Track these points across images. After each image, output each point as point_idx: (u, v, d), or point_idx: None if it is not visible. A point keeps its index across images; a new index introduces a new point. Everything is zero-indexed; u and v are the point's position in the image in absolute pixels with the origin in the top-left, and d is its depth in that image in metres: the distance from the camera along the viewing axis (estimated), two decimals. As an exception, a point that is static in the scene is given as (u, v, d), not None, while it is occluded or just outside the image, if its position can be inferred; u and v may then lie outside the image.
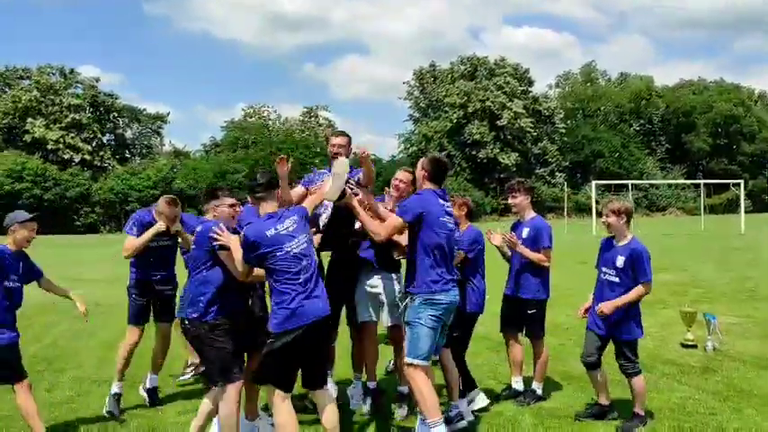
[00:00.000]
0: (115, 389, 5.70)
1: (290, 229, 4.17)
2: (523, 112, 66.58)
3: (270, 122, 74.48)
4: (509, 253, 5.78)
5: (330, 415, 4.11)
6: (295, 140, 64.27)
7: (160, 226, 5.59)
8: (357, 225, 5.21)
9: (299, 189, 5.55)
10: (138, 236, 5.65)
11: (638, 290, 4.88)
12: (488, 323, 6.56)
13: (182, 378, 6.62)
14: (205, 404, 4.37)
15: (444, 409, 4.75)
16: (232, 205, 4.64)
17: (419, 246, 4.40)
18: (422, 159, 4.69)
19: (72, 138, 61.98)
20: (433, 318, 4.30)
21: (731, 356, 7.15)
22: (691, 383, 6.16)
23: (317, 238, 5.09)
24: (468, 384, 5.40)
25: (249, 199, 5.06)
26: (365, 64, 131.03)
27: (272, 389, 4.02)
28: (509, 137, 67.53)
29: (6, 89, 64.32)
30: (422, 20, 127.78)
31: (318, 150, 61.59)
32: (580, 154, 69.80)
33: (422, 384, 4.24)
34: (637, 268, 4.88)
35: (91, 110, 65.41)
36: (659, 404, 5.50)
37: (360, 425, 5.22)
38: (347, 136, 5.64)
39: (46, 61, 67.43)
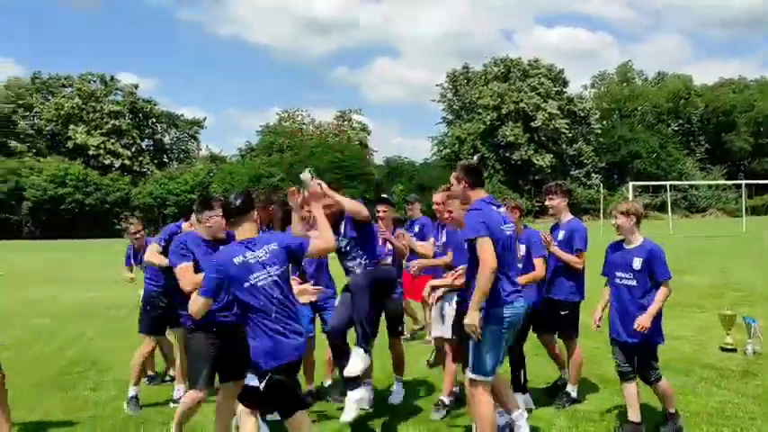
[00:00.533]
0: (132, 392, 5.95)
1: (262, 258, 3.80)
2: (558, 113, 65.91)
3: (303, 126, 75.13)
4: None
5: None
6: (328, 144, 64.65)
7: None
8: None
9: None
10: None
11: (663, 291, 4.78)
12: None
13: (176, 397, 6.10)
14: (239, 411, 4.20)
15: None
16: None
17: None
18: (453, 175, 4.48)
19: (112, 143, 63.48)
20: (496, 332, 4.12)
21: (772, 360, 7.01)
22: (730, 387, 6.06)
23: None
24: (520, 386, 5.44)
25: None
26: (396, 66, 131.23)
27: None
28: (543, 138, 66.93)
29: (50, 97, 66.16)
30: (452, 21, 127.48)
31: (352, 154, 61.92)
32: (617, 155, 68.80)
33: (483, 405, 4.08)
34: (656, 268, 4.77)
35: (130, 116, 66.91)
36: (697, 408, 5.43)
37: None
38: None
39: (85, 69, 69.14)
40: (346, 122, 75.43)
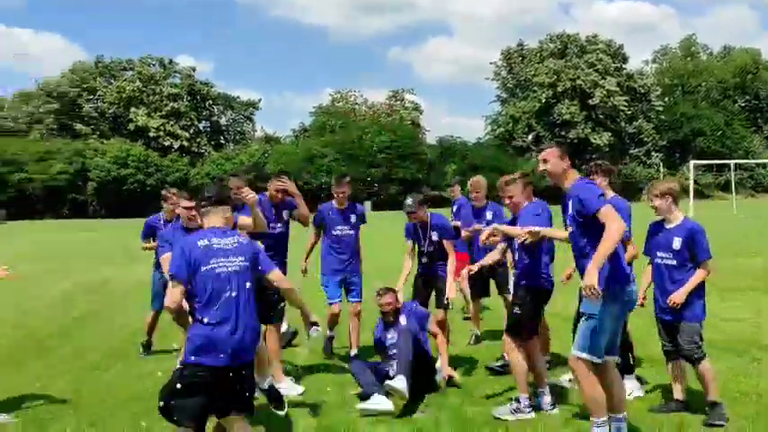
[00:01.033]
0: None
1: (228, 245, 3.65)
2: (617, 89, 64.11)
3: (356, 107, 75.37)
4: None
5: None
6: (381, 124, 64.71)
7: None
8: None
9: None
10: None
11: (700, 271, 4.68)
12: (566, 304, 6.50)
13: None
14: None
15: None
16: (187, 208, 4.86)
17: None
18: (552, 152, 4.30)
19: (171, 125, 65.23)
20: (614, 312, 4.00)
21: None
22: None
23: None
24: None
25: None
26: (450, 45, 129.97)
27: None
28: (601, 116, 65.25)
29: (112, 80, 68.33)
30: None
31: (404, 134, 61.81)
32: (678, 133, 66.53)
33: (593, 385, 3.99)
34: (695, 247, 4.67)
35: (188, 98, 68.51)
36: (747, 388, 5.30)
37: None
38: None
39: (145, 53, 71.08)
40: (399, 102, 75.30)
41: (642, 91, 67.20)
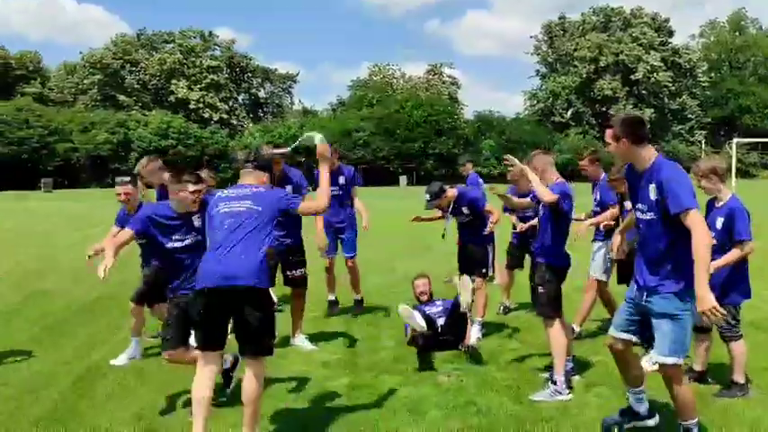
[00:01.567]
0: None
1: (238, 194, 3.94)
2: (661, 65, 62.58)
3: (394, 81, 75.09)
4: None
5: (247, 387, 3.76)
6: (419, 98, 64.41)
7: None
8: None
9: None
10: None
11: (735, 250, 4.59)
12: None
13: None
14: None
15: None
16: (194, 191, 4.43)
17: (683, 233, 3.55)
18: (609, 133, 3.76)
19: (211, 98, 66.10)
20: (690, 309, 3.65)
21: None
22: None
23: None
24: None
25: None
26: (489, 19, 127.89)
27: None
28: (644, 92, 63.88)
29: (153, 53, 69.34)
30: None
31: (442, 109, 61.45)
32: (724, 109, 64.77)
33: (687, 390, 3.78)
34: (733, 228, 4.61)
35: (227, 71, 69.17)
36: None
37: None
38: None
39: (186, 25, 71.96)
40: (436, 77, 74.75)
41: (687, 66, 65.45)
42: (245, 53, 72.45)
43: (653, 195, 3.57)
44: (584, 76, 64.18)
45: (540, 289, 4.88)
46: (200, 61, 67.33)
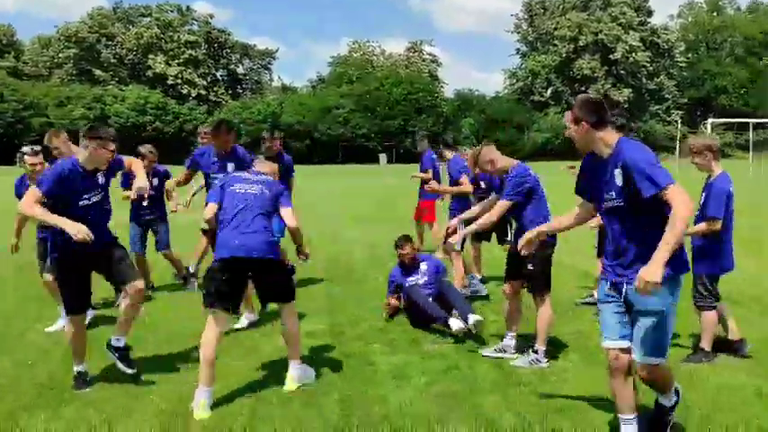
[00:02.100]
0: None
1: (252, 178, 4.57)
2: (640, 45, 63.03)
3: (374, 58, 74.72)
4: None
5: (287, 324, 4.48)
6: (399, 76, 64.23)
7: None
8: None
9: None
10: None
11: (702, 224, 4.81)
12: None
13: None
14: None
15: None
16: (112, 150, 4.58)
17: (657, 216, 3.25)
18: (568, 115, 3.49)
19: (189, 73, 65.33)
20: (675, 302, 3.35)
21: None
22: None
23: None
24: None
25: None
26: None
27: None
28: (622, 72, 64.34)
29: (130, 26, 68.17)
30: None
31: (422, 87, 61.40)
32: (701, 90, 65.58)
33: (671, 380, 3.56)
34: (708, 202, 4.81)
35: (206, 46, 68.31)
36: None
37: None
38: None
39: (163, -1, 70.67)
40: (417, 54, 74.53)
41: (666, 47, 66.00)
42: (224, 28, 71.64)
43: (619, 180, 3.26)
44: (564, 55, 64.47)
45: (529, 266, 4.87)
46: (178, 36, 66.39)
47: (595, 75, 63.11)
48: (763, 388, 4.28)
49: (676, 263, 3.21)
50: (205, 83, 66.75)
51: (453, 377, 4.63)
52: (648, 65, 63.91)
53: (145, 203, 6.34)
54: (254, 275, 4.37)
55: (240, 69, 74.88)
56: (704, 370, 4.71)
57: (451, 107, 63.73)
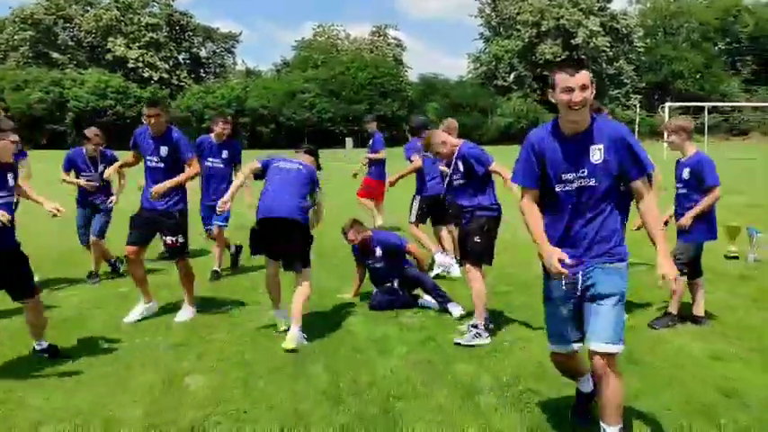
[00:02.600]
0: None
1: (296, 160, 5.48)
2: (600, 30, 64.02)
3: (339, 42, 74.40)
4: None
5: (300, 288, 5.23)
6: (364, 60, 64.14)
7: None
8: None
9: None
10: None
11: (706, 198, 5.17)
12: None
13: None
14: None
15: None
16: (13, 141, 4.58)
17: (619, 197, 3.22)
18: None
19: (150, 56, 64.14)
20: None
21: (771, 267, 7.51)
22: (725, 288, 6.64)
23: None
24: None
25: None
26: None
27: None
28: (583, 56, 65.22)
29: (88, 8, 66.50)
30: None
31: (386, 71, 61.43)
32: (658, 74, 66.95)
33: (621, 383, 3.14)
34: (702, 176, 5.18)
35: (167, 29, 67.07)
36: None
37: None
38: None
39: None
40: (381, 38, 74.46)
41: (625, 32, 67.15)
42: (185, 11, 70.35)
43: (597, 157, 3.09)
44: (527, 40, 65.11)
45: (476, 239, 5.07)
46: (138, 18, 65.03)
47: (558, 59, 63.87)
48: (717, 352, 4.70)
49: (625, 251, 3.17)
50: (167, 66, 65.62)
51: (430, 346, 4.96)
52: (608, 50, 64.99)
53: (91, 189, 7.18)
54: (283, 234, 5.13)
55: (203, 53, 73.79)
56: (668, 333, 5.14)
57: (416, 91, 63.97)
